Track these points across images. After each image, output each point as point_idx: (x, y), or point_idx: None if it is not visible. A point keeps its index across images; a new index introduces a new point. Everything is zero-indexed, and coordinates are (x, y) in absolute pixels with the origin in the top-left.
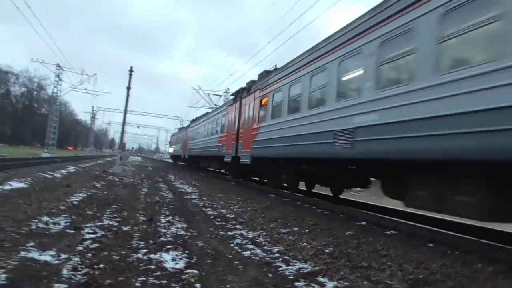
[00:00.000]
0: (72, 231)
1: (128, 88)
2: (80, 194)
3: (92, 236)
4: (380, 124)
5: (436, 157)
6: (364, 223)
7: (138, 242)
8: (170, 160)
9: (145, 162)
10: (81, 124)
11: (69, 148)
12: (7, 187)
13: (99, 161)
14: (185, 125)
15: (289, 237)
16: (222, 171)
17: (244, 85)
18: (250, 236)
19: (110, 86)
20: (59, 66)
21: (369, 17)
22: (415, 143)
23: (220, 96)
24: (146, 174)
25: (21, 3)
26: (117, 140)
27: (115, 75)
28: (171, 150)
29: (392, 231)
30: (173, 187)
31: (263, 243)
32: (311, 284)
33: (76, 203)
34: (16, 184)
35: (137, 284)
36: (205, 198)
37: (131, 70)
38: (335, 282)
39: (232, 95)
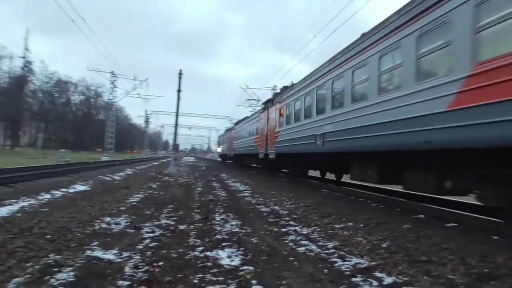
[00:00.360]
0: (132, 231)
1: (179, 91)
2: (138, 195)
3: (151, 235)
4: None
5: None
6: (421, 216)
7: (195, 240)
8: (220, 159)
9: (198, 162)
10: (136, 128)
11: (127, 151)
12: (71, 190)
13: (154, 163)
14: (233, 123)
15: (344, 232)
16: (259, 166)
17: (280, 87)
18: (304, 232)
19: (162, 90)
20: (113, 74)
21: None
22: (453, 133)
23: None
24: (200, 174)
25: (76, 16)
26: (171, 141)
27: (165, 79)
28: (219, 150)
29: (452, 224)
30: (226, 185)
31: (318, 239)
32: (369, 279)
33: (134, 203)
34: (79, 187)
35: (195, 281)
36: (257, 196)
37: (180, 73)
38: (394, 277)
39: (262, 104)
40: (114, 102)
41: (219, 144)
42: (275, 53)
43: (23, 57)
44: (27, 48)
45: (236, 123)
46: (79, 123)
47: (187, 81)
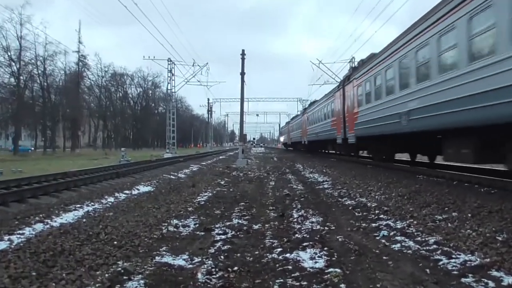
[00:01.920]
0: (202, 233)
1: (242, 73)
2: (205, 194)
3: (223, 237)
4: None
5: None
6: None
7: (271, 240)
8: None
9: (269, 152)
10: (198, 119)
11: (190, 146)
12: (135, 191)
13: (221, 157)
14: (303, 109)
15: (447, 225)
16: (338, 152)
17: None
18: (399, 226)
19: (224, 75)
20: (170, 61)
21: None
22: None
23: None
24: (272, 166)
25: (129, 2)
26: (237, 131)
27: (228, 62)
28: (282, 139)
29: None
30: (302, 177)
31: (416, 233)
32: (483, 279)
33: (203, 203)
34: (143, 188)
35: (276, 286)
36: (339, 187)
37: (243, 54)
38: None
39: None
40: (173, 92)
41: (281, 133)
42: (352, 19)
43: (77, 51)
44: (80, 41)
45: (307, 107)
46: (138, 118)
47: (253, 63)
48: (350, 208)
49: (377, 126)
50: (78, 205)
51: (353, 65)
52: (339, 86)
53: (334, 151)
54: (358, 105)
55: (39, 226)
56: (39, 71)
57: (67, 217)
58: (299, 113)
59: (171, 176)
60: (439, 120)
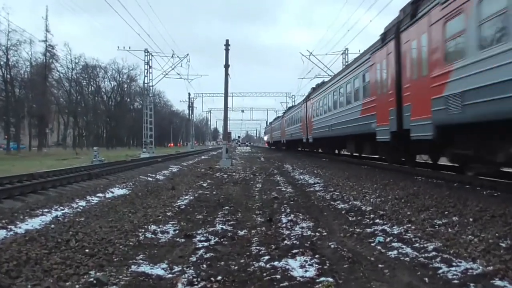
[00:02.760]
0: (183, 240)
1: (226, 66)
2: (186, 197)
3: (205, 244)
4: None
5: None
6: None
7: (258, 248)
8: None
9: (255, 152)
10: (178, 115)
11: (170, 145)
12: (109, 195)
13: (203, 157)
14: (297, 101)
15: (447, 230)
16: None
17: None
18: (395, 231)
19: (207, 68)
20: (148, 52)
21: None
22: None
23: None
24: (259, 167)
25: None
26: (220, 129)
27: (211, 54)
28: (266, 138)
29: None
30: (292, 178)
31: (413, 239)
32: None
33: (183, 207)
34: (118, 191)
35: None
36: (332, 189)
37: (227, 44)
38: None
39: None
40: (151, 86)
41: (265, 133)
42: (346, 7)
43: (45, 41)
44: (48, 30)
45: (286, 111)
46: (112, 114)
47: (239, 55)
48: (343, 212)
49: (321, 131)
50: (46, 210)
51: (346, 58)
52: (305, 100)
53: (302, 149)
54: (313, 116)
55: (1, 233)
56: (1, 62)
57: (34, 223)
58: (285, 110)
59: (149, 178)
60: (343, 131)
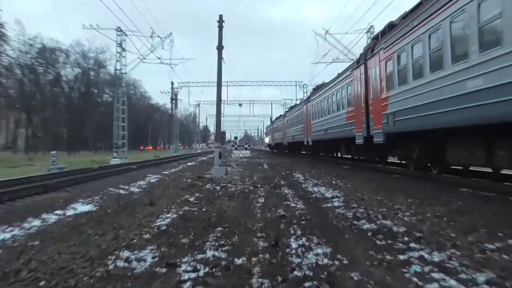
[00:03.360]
0: (164, 270)
1: (219, 48)
2: (168, 215)
3: (193, 275)
4: None
5: None
6: None
7: (260, 280)
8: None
9: (256, 157)
10: (159, 110)
11: (148, 148)
12: (70, 212)
13: (190, 163)
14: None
15: (502, 257)
16: (356, 157)
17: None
18: (436, 259)
19: (195, 51)
20: (121, 31)
21: None
22: None
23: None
24: (261, 176)
25: None
26: (212, 128)
27: (201, 33)
28: (267, 140)
29: None
30: (303, 191)
31: (459, 269)
32: None
33: (164, 228)
34: (82, 207)
35: None
36: (355, 205)
37: (220, 21)
38: None
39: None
40: (124, 73)
41: (266, 134)
42: None
43: None
44: None
45: (287, 111)
46: (75, 110)
47: (237, 35)
48: (369, 234)
49: (319, 134)
50: None
51: (372, 36)
52: (305, 101)
53: (305, 151)
54: (312, 119)
55: None
56: None
57: None
58: (297, 102)
59: (121, 191)
60: (335, 135)
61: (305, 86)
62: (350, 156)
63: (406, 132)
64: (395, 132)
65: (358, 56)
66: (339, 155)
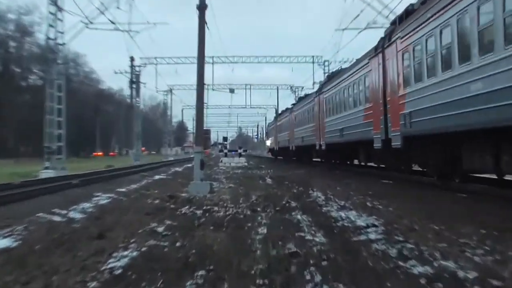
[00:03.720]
0: None
1: (202, 8)
2: (126, 252)
3: None
4: None
5: None
6: None
7: None
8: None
9: (255, 167)
10: (112, 98)
11: (96, 153)
12: None
13: (158, 176)
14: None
15: None
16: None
17: None
18: None
19: (166, 13)
20: None
21: None
22: None
23: None
24: (261, 195)
25: None
26: (191, 125)
27: None
28: (268, 143)
29: None
30: (324, 217)
31: None
32: None
33: (119, 272)
34: None
35: None
36: (400, 237)
37: None
38: None
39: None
40: (61, 44)
41: (267, 134)
42: None
43: None
44: None
45: (295, 104)
46: None
47: None
48: (421, 281)
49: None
50: None
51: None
52: (317, 93)
53: (317, 158)
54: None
55: None
56: None
57: None
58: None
59: (56, 217)
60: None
61: (326, 63)
62: (374, 164)
63: (332, 143)
64: (328, 143)
65: (313, 94)
66: (355, 161)
